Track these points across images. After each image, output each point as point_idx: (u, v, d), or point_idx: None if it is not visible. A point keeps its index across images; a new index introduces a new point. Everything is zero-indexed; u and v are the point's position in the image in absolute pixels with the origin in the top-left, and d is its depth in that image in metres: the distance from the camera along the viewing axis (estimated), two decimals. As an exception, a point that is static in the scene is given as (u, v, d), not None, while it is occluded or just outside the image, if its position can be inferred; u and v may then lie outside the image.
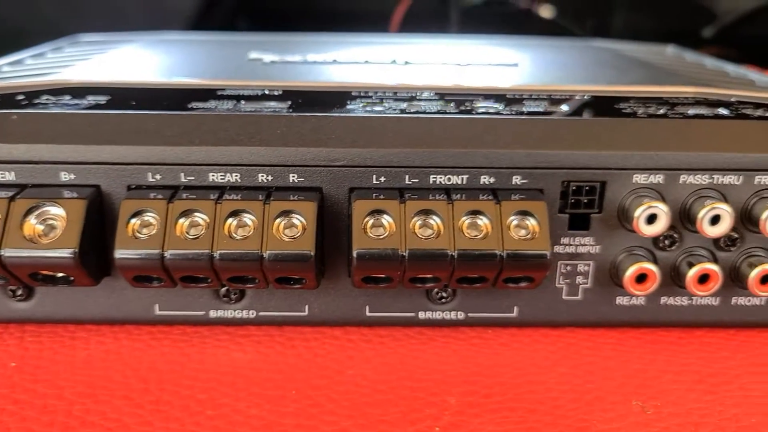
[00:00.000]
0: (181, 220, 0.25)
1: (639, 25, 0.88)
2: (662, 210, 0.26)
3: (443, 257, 0.25)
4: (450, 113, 0.28)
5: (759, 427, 0.23)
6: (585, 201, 0.27)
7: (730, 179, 0.27)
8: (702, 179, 0.26)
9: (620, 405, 0.24)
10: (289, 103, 0.29)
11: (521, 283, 0.26)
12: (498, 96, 0.31)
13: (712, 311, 0.28)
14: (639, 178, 0.26)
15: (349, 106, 0.28)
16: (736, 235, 0.27)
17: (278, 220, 0.25)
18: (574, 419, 0.23)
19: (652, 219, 0.26)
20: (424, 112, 0.28)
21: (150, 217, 0.25)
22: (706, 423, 0.23)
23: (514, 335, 0.28)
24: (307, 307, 0.28)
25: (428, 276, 0.26)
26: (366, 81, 0.34)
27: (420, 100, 0.30)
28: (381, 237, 0.25)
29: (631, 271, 0.27)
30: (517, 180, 0.26)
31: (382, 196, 0.26)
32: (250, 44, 0.44)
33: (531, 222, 0.25)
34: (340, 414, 0.23)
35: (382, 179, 0.26)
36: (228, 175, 0.26)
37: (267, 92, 0.31)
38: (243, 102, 0.29)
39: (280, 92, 0.31)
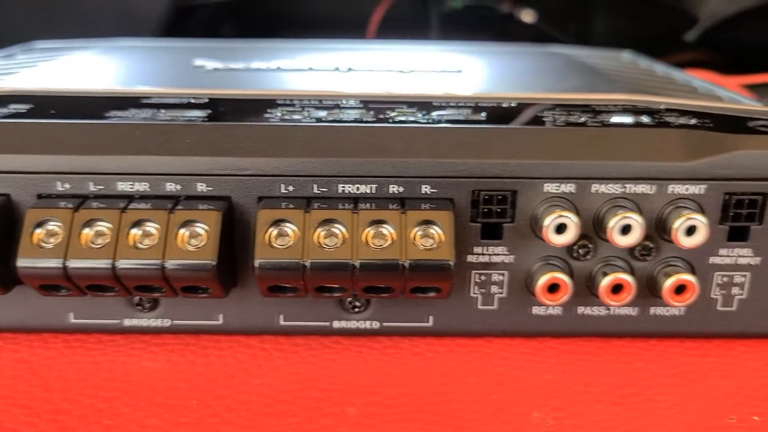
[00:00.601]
0: (86, 230, 0.25)
1: (621, 30, 0.88)
2: (571, 220, 0.26)
3: (345, 267, 0.24)
4: (366, 121, 0.28)
5: (657, 440, 0.23)
6: (497, 210, 0.26)
7: (643, 188, 0.26)
8: (614, 188, 0.26)
9: (521, 417, 0.24)
10: (209, 112, 0.29)
11: (430, 293, 0.26)
12: (423, 103, 0.31)
13: (631, 321, 0.28)
14: (550, 188, 0.26)
15: (267, 115, 0.28)
16: (651, 245, 0.27)
17: (182, 230, 0.25)
18: (471, 431, 0.23)
19: (561, 228, 0.26)
20: (341, 121, 0.28)
21: (55, 226, 0.25)
22: (604, 435, 0.23)
23: (430, 345, 0.28)
24: (221, 315, 0.28)
25: (334, 286, 0.26)
26: (296, 89, 0.34)
27: (342, 108, 0.30)
28: (284, 247, 0.25)
29: (542, 281, 0.26)
30: (426, 189, 0.26)
31: (291, 206, 0.25)
32: (202, 51, 0.44)
33: (437, 231, 0.25)
34: (236, 424, 0.23)
35: (290, 188, 0.26)
36: (137, 184, 0.26)
37: (192, 101, 0.31)
38: (162, 111, 0.29)
39: (206, 100, 0.31)
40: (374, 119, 0.28)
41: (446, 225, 0.25)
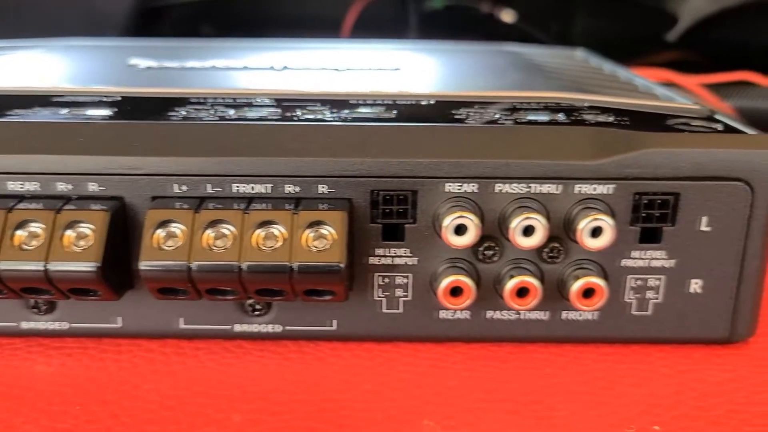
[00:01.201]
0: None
1: (603, 30, 0.87)
2: (471, 220, 0.25)
3: (231, 270, 0.24)
4: (269, 120, 0.27)
5: (545, 450, 0.22)
6: (397, 211, 0.26)
7: (548, 188, 0.25)
8: (519, 188, 0.25)
9: (411, 425, 0.23)
10: (116, 110, 0.28)
11: (325, 296, 0.25)
12: (337, 101, 0.30)
13: (542, 326, 0.27)
14: (451, 187, 0.25)
15: (171, 113, 0.28)
16: (560, 247, 0.26)
17: (68, 231, 0.24)
18: (355, 439, 0.22)
19: (461, 229, 0.25)
20: (245, 119, 0.27)
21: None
22: (490, 445, 0.22)
23: (335, 349, 0.27)
24: (120, 318, 0.27)
25: (226, 288, 0.25)
26: (217, 87, 0.33)
27: (254, 106, 0.29)
28: (171, 248, 0.24)
29: (444, 284, 0.26)
30: (323, 189, 0.25)
31: (182, 206, 0.25)
32: (144, 50, 0.43)
33: (330, 232, 0.24)
34: (114, 431, 0.23)
35: (184, 188, 0.25)
36: (27, 184, 0.25)
37: (104, 99, 0.30)
38: (67, 110, 0.28)
39: (118, 99, 0.30)
40: (279, 117, 0.27)
41: (338, 226, 0.24)
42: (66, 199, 0.25)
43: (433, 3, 0.88)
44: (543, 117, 0.28)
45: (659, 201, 0.26)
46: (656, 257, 0.26)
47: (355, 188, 0.25)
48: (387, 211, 0.26)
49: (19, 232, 0.24)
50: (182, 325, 0.27)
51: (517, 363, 0.27)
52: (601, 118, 0.28)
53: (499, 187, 0.25)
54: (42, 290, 0.25)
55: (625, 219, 0.26)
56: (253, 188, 0.25)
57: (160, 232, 0.24)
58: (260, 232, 0.24)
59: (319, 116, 0.28)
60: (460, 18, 0.89)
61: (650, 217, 0.26)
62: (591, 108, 0.30)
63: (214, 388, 0.25)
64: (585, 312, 0.27)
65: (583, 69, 0.41)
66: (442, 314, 0.27)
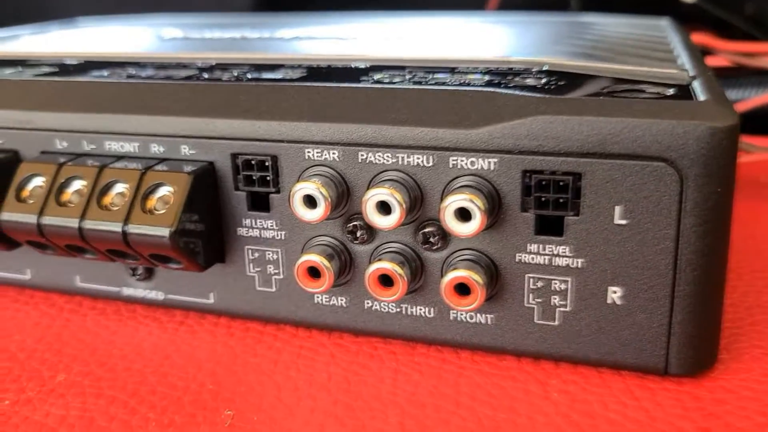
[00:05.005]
0: None
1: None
2: (318, 193, 0.21)
3: (67, 229, 0.23)
4: (156, 78, 0.26)
5: None
6: (261, 178, 0.23)
7: (418, 159, 0.21)
8: (385, 158, 0.22)
9: (214, 414, 0.21)
10: (57, 69, 0.29)
11: (172, 263, 0.23)
12: (261, 66, 0.28)
13: (427, 324, 0.23)
14: (311, 153, 0.22)
15: (96, 73, 0.28)
16: (435, 232, 0.22)
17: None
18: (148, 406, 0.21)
19: (312, 202, 0.22)
20: (145, 78, 0.26)
21: None
22: None
23: (217, 325, 0.25)
24: (29, 271, 0.28)
25: (84, 246, 0.24)
26: (189, 54, 0.33)
27: (175, 69, 0.28)
28: (30, 202, 0.24)
29: (299, 263, 0.23)
30: (185, 150, 0.24)
31: (66, 161, 0.24)
32: (196, 25, 0.44)
33: (172, 196, 0.23)
34: None
35: (65, 144, 0.25)
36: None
37: (67, 61, 0.31)
38: (23, 69, 0.30)
39: (82, 62, 0.31)
40: (164, 78, 0.26)
41: (179, 190, 0.23)
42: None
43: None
44: (476, 80, 0.24)
45: (556, 182, 0.20)
46: (559, 253, 0.21)
47: (217, 151, 0.23)
48: (250, 177, 0.23)
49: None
50: (79, 283, 0.27)
51: (391, 365, 0.23)
52: (530, 82, 0.23)
53: (362, 155, 0.22)
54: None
55: (514, 202, 0.21)
56: (122, 146, 0.24)
57: (29, 186, 0.24)
58: (112, 191, 0.23)
59: (217, 76, 0.26)
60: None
61: (546, 202, 0.21)
62: (540, 72, 0.25)
63: (72, 347, 0.24)
64: (475, 314, 0.22)
65: (625, 37, 0.34)
66: (317, 298, 0.24)
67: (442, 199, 0.21)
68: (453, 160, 0.21)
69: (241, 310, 0.25)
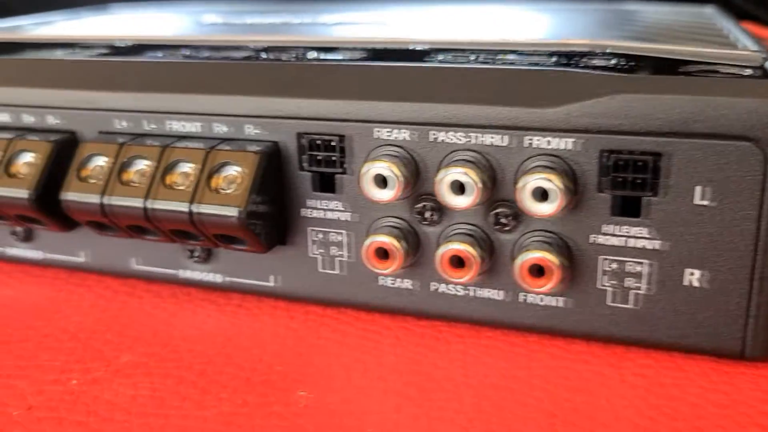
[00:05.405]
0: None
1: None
2: (392, 173, 0.21)
3: (133, 209, 0.23)
4: (217, 59, 0.26)
5: None
6: (327, 158, 0.23)
7: (492, 139, 0.21)
8: (457, 138, 0.21)
9: (285, 392, 0.21)
10: (105, 51, 0.29)
11: (239, 244, 0.23)
12: (322, 48, 0.28)
13: (496, 307, 0.23)
14: (381, 134, 0.22)
15: (153, 54, 0.28)
16: (508, 212, 0.22)
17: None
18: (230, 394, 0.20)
19: (383, 182, 0.22)
20: (196, 57, 0.26)
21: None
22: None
23: (276, 307, 0.25)
24: (83, 253, 0.28)
25: (147, 227, 0.24)
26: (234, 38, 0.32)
27: (227, 50, 0.28)
28: (91, 182, 0.24)
29: (367, 244, 0.22)
30: (250, 130, 0.23)
31: (125, 141, 0.24)
32: (241, 12, 0.44)
33: (241, 175, 0.22)
34: (15, 354, 0.23)
35: (124, 124, 0.25)
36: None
37: (117, 44, 0.31)
38: (78, 50, 0.29)
39: (131, 44, 0.31)
40: (222, 59, 0.26)
41: (247, 170, 0.22)
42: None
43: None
44: (544, 61, 0.23)
45: (634, 162, 0.20)
46: (636, 235, 0.21)
47: (282, 130, 0.23)
48: (316, 157, 0.23)
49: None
50: (135, 266, 0.27)
51: (459, 347, 0.23)
52: (598, 63, 0.23)
53: (434, 134, 0.22)
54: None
55: (591, 183, 0.21)
56: (184, 126, 0.24)
57: (90, 165, 0.24)
58: (176, 171, 0.23)
59: (272, 57, 0.26)
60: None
61: (624, 182, 0.20)
62: (605, 54, 0.24)
63: (127, 328, 0.24)
64: (549, 298, 0.22)
65: (674, 22, 0.34)
66: (381, 281, 0.24)
67: (517, 179, 0.21)
68: (528, 140, 0.21)
69: (302, 292, 0.25)
